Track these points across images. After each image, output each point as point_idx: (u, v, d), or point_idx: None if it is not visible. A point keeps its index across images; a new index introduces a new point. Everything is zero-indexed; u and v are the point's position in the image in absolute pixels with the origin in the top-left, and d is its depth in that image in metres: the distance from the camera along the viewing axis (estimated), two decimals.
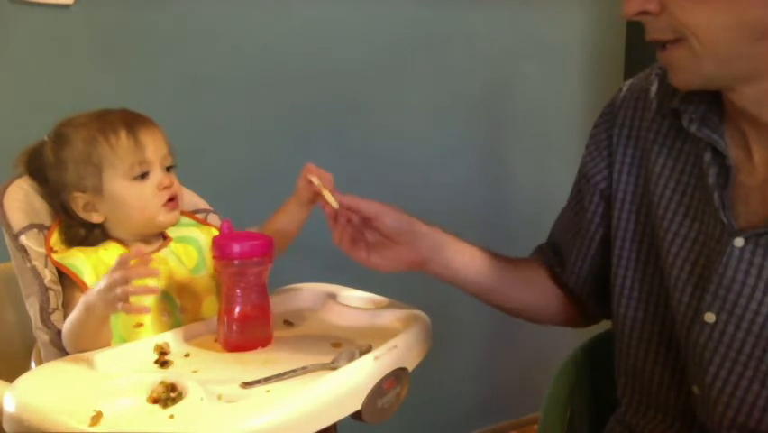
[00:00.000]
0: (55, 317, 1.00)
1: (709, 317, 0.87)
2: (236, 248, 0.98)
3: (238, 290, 0.99)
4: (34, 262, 1.01)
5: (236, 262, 0.99)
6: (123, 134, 1.03)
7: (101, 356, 0.93)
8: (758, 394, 0.85)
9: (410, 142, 1.96)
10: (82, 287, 1.00)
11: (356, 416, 0.89)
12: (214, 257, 1.01)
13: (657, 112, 0.95)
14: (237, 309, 0.99)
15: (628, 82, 1.02)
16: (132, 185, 1.03)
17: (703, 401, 0.90)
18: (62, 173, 1.04)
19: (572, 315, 1.12)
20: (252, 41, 1.68)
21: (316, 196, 1.05)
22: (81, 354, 0.95)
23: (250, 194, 1.58)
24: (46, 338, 0.99)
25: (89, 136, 1.03)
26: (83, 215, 1.05)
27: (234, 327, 0.99)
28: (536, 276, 1.11)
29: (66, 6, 1.45)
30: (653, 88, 0.97)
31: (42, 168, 1.06)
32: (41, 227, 1.05)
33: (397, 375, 0.93)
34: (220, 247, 1.00)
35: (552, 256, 1.11)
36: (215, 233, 1.14)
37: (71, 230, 1.06)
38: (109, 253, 1.04)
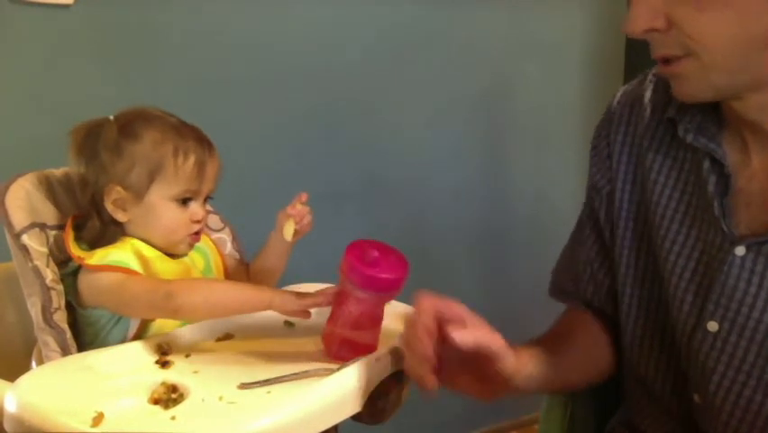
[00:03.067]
0: (57, 316, 0.99)
1: (712, 326, 0.86)
2: (379, 279, 0.92)
3: (359, 316, 0.95)
4: (36, 262, 1.00)
5: (374, 293, 0.94)
6: (192, 160, 1.02)
7: (102, 356, 0.93)
8: (762, 404, 0.85)
9: (410, 143, 1.96)
10: (134, 275, 0.99)
11: (357, 417, 0.89)
12: (351, 281, 0.93)
13: (652, 119, 0.95)
14: (351, 331, 0.95)
15: (622, 88, 1.01)
16: (172, 206, 1.03)
17: (706, 410, 0.90)
18: (115, 160, 1.02)
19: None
20: (252, 42, 1.68)
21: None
22: (82, 354, 0.95)
23: (249, 194, 1.58)
24: (48, 338, 0.98)
25: (159, 144, 1.02)
26: (109, 208, 1.03)
27: (345, 348, 0.95)
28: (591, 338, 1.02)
29: (66, 6, 1.44)
30: (648, 95, 0.96)
31: (96, 145, 1.03)
32: (42, 227, 1.04)
33: (398, 377, 0.93)
34: (365, 278, 0.92)
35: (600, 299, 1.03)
36: (209, 240, 1.15)
37: (86, 225, 1.04)
38: (140, 245, 1.04)
